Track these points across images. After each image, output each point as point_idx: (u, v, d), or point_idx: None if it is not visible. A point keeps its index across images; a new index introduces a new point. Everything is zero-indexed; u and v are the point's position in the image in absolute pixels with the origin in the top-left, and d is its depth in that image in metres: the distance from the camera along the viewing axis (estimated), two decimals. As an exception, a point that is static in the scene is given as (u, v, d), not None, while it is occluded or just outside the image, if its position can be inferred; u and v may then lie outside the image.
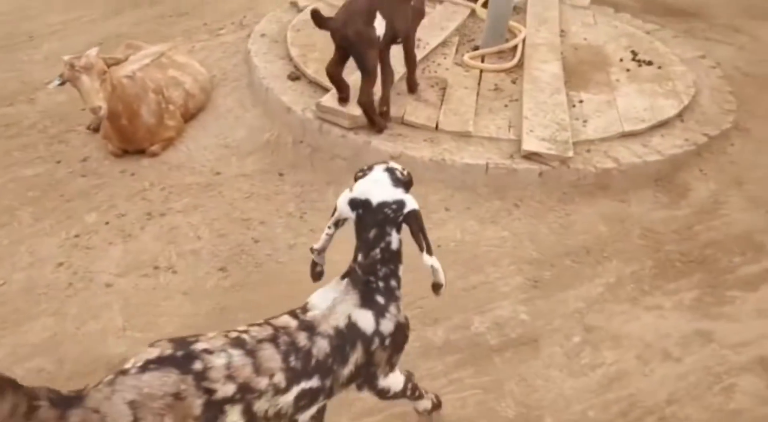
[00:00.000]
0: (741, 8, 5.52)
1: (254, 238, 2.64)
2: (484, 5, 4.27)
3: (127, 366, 1.23)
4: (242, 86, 3.72)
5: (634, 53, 4.02)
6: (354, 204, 1.51)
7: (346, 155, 3.06)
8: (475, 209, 2.82)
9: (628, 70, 3.80)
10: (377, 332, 1.51)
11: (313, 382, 1.40)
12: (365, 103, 2.92)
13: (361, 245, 1.54)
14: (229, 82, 3.77)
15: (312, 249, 1.60)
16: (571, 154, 2.84)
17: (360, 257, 1.54)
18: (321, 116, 3.10)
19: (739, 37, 4.78)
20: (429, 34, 4.03)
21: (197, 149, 3.23)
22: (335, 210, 1.54)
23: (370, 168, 1.57)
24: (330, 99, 3.11)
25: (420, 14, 3.25)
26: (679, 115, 3.35)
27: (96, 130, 3.25)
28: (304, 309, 1.51)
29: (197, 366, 1.23)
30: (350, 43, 2.78)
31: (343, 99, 3.09)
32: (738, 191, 2.98)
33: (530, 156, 2.87)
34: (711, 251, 2.63)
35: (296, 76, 3.51)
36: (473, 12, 4.47)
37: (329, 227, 1.56)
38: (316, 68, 3.50)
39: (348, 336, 1.47)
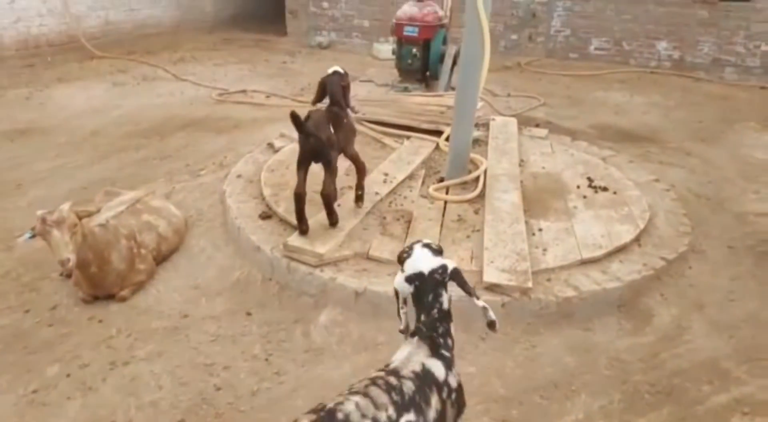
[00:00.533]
0: (690, 132, 5.94)
1: (216, 385, 2.60)
2: (447, 139, 4.58)
3: None
4: (216, 226, 3.85)
5: (590, 180, 4.25)
6: (410, 279, 1.87)
7: (313, 292, 3.11)
8: (441, 344, 2.81)
9: (585, 196, 4.00)
10: (447, 382, 1.81)
11: (411, 416, 1.66)
12: (330, 194, 3.27)
13: (421, 308, 1.88)
14: (204, 222, 3.91)
15: (401, 331, 1.95)
16: (530, 284, 2.90)
17: (423, 317, 1.88)
18: (288, 255, 3.19)
19: (690, 160, 5.10)
20: (396, 168, 4.29)
21: (167, 291, 3.26)
22: (397, 293, 1.92)
23: (411, 248, 1.93)
24: (296, 238, 3.23)
25: (353, 132, 3.71)
26: (636, 240, 3.48)
27: (69, 276, 3.30)
28: (386, 365, 1.83)
29: (340, 416, 1.55)
30: (321, 144, 3.21)
31: (304, 231, 3.30)
32: (700, 315, 3.02)
33: (491, 287, 2.93)
34: (678, 380, 2.61)
35: (267, 215, 3.66)
36: (437, 146, 4.78)
37: (401, 307, 1.92)
38: (287, 207, 3.65)
39: (424, 379, 1.77)
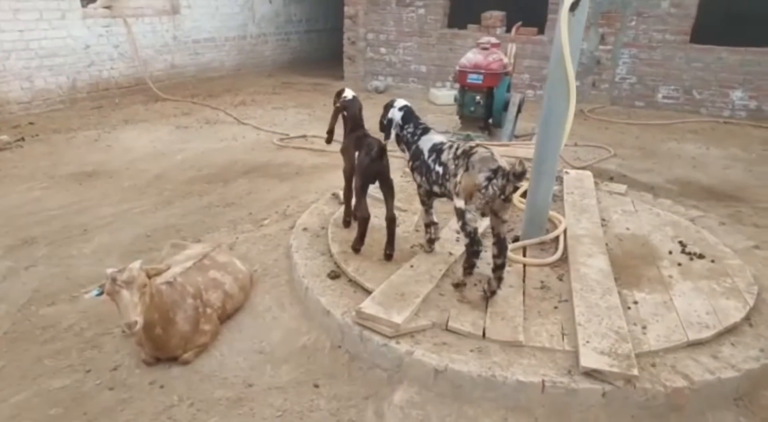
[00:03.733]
0: (782, 190, 5.49)
1: (285, 472, 2.36)
2: (523, 196, 4.33)
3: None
4: (282, 283, 3.68)
5: (682, 245, 3.89)
6: (400, 108, 3.59)
7: (387, 366, 2.86)
8: (533, 436, 2.50)
9: (679, 264, 3.65)
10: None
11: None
12: (395, 217, 3.58)
13: (410, 122, 3.55)
14: (269, 278, 3.74)
15: (384, 136, 3.70)
16: (636, 371, 2.57)
17: (411, 127, 3.53)
18: (361, 322, 2.96)
19: (789, 223, 4.66)
20: (468, 226, 4.03)
21: (231, 355, 3.08)
22: (391, 120, 3.59)
23: (393, 99, 3.68)
24: (371, 305, 3.00)
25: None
26: (747, 319, 3.10)
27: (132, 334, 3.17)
28: (442, 143, 3.37)
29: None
30: (385, 168, 3.55)
31: (357, 250, 3.64)
32: (838, 416, 2.60)
33: (591, 373, 2.61)
34: None
35: (336, 274, 3.46)
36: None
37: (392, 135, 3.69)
38: (357, 266, 3.46)
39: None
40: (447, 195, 3.27)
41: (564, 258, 3.68)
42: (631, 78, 9.24)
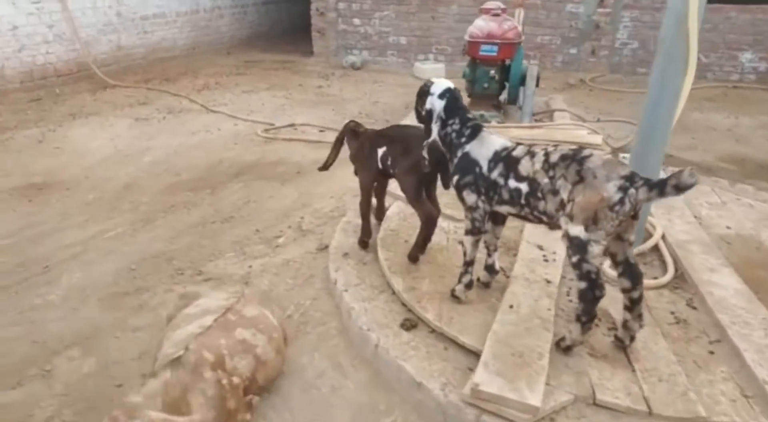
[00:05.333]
0: None
1: None
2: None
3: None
4: (332, 334, 2.79)
5: (804, 245, 3.24)
6: (441, 95, 2.55)
7: (522, 462, 2.06)
8: None
9: (818, 273, 2.99)
10: None
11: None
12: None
13: (455, 114, 2.55)
14: (312, 327, 2.85)
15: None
16: None
17: (457, 122, 2.54)
18: (478, 404, 2.14)
19: None
20: (547, 238, 3.25)
21: (288, 453, 2.21)
22: (431, 112, 2.56)
23: (429, 81, 2.63)
24: (488, 377, 2.16)
25: None
26: None
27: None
28: (506, 148, 2.43)
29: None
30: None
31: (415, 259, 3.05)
32: None
33: (819, 462, 1.90)
34: None
35: (412, 323, 2.60)
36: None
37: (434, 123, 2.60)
38: (438, 311, 2.61)
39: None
40: (535, 219, 2.37)
41: (679, 275, 2.96)
42: (632, 43, 8.61)
